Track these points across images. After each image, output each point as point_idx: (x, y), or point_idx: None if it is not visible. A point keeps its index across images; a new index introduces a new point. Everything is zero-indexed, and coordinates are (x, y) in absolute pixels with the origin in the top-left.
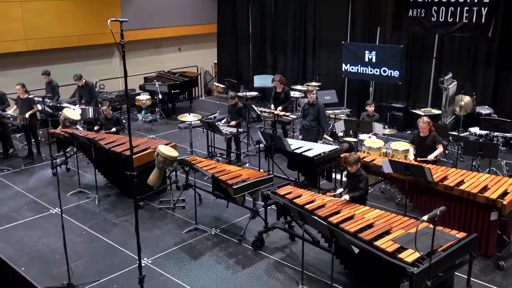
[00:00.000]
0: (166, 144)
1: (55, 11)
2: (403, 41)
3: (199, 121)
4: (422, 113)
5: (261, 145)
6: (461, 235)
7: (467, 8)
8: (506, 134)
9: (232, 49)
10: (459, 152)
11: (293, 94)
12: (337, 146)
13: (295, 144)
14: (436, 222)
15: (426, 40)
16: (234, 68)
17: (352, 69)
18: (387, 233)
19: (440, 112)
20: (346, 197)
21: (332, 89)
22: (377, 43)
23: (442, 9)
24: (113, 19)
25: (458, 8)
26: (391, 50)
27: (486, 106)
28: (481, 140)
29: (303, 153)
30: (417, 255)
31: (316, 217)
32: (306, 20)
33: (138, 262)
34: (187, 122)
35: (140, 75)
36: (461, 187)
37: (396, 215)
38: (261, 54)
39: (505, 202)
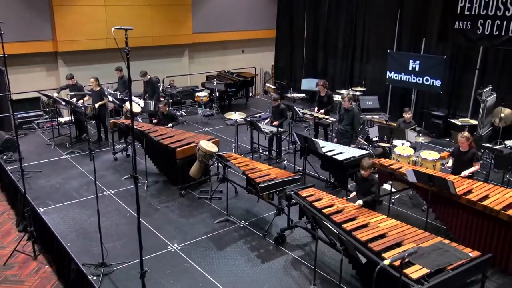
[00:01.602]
0: (209, 140)
1: (134, 15)
2: (448, 52)
3: (243, 120)
4: (460, 123)
5: (297, 145)
6: (474, 254)
7: None
8: None
9: (288, 53)
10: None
11: (337, 98)
12: (368, 151)
13: (328, 146)
14: (403, 265)
15: (470, 51)
16: (289, 70)
17: (396, 76)
18: (398, 245)
19: (477, 122)
20: (360, 202)
21: (376, 95)
22: (421, 53)
23: (488, 22)
24: (117, 27)
25: (505, 22)
26: (435, 60)
27: None
28: None
29: (333, 156)
30: (424, 271)
31: (328, 223)
32: (356, 28)
33: (139, 258)
34: (233, 120)
35: (205, 73)
36: (484, 202)
37: (411, 227)
38: (313, 58)
39: None
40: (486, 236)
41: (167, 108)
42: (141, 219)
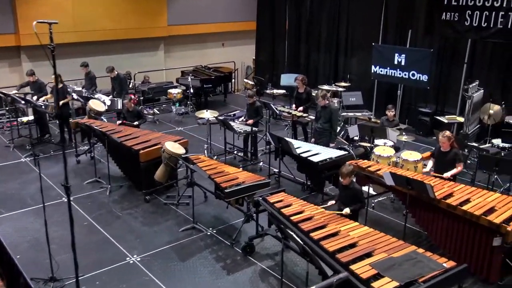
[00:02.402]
0: (176, 141)
1: (104, 6)
2: (435, 45)
3: (215, 119)
4: (446, 121)
5: (272, 145)
6: (449, 264)
7: (503, 13)
8: None
9: (269, 46)
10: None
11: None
12: (346, 152)
13: (304, 147)
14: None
15: (458, 44)
16: (270, 65)
17: (381, 71)
18: (368, 255)
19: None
20: (347, 210)
21: (361, 90)
22: (407, 46)
23: (476, 13)
24: (40, 20)
25: (493, 13)
26: (420, 54)
27: None
28: (503, 154)
29: (308, 158)
30: (393, 284)
31: (295, 232)
32: (340, 20)
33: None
34: (205, 119)
35: (181, 68)
36: (465, 207)
37: (385, 235)
38: (296, 52)
39: (509, 228)
40: (467, 243)
41: (132, 105)
42: (100, 228)
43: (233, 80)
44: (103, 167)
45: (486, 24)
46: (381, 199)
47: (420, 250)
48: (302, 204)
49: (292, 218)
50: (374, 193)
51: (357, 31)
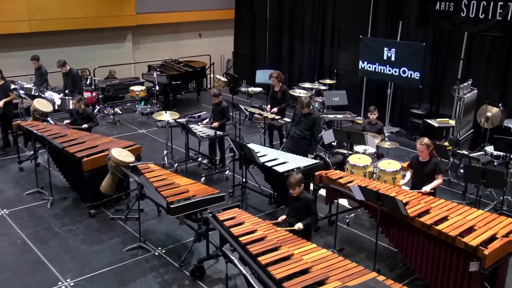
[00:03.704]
0: (126, 147)
1: None
2: (428, 39)
3: (174, 121)
4: (437, 124)
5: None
6: None
7: (502, 3)
8: None
9: (249, 37)
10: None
11: (299, 93)
12: (317, 161)
13: (270, 155)
14: None
15: (454, 38)
16: (250, 58)
17: (369, 67)
18: (320, 283)
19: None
20: (300, 225)
21: (349, 88)
22: (398, 39)
23: (473, 4)
24: None
25: (491, 3)
26: (412, 48)
27: None
28: (495, 164)
29: (273, 167)
30: None
31: (237, 257)
32: (325, 9)
33: None
34: (165, 121)
35: (152, 61)
36: (440, 226)
37: (343, 259)
38: (278, 44)
39: (486, 252)
40: (443, 267)
41: (82, 106)
42: (33, 247)
43: (210, 76)
44: (48, 176)
45: (483, 15)
46: (353, 214)
47: (381, 278)
48: (256, 222)
49: (240, 238)
50: (350, 207)
51: (344, 22)
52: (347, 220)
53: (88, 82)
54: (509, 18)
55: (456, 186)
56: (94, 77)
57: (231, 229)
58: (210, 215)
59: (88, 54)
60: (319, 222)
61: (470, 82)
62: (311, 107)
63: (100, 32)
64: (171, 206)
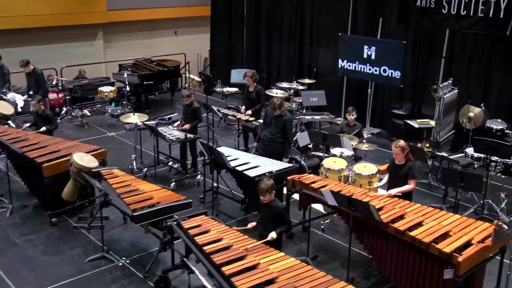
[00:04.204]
0: (90, 151)
1: None
2: (409, 36)
3: (142, 124)
4: (417, 125)
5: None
6: None
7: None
8: (507, 160)
9: (226, 35)
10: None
11: (276, 93)
12: (290, 165)
13: (242, 159)
14: None
15: (435, 35)
16: (227, 57)
17: (349, 66)
18: None
19: None
20: (273, 235)
21: (328, 88)
22: (378, 37)
23: (455, 0)
24: None
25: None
26: (392, 46)
27: (499, 120)
28: (475, 166)
29: (244, 172)
30: None
31: (198, 268)
32: (303, 5)
33: None
34: (133, 124)
35: (124, 61)
36: (414, 232)
37: (312, 268)
38: (255, 41)
39: (460, 259)
40: (418, 274)
41: (42, 107)
42: None
43: (185, 75)
44: (7, 182)
45: (465, 12)
46: (328, 220)
47: (350, 287)
48: (223, 230)
49: (205, 247)
50: (325, 212)
51: (323, 19)
52: (322, 226)
53: (54, 83)
54: (491, 15)
55: (437, 189)
56: (61, 77)
57: (195, 238)
58: (175, 223)
59: (55, 53)
60: (293, 229)
61: (450, 81)
62: (283, 109)
63: (69, 29)
64: (134, 214)
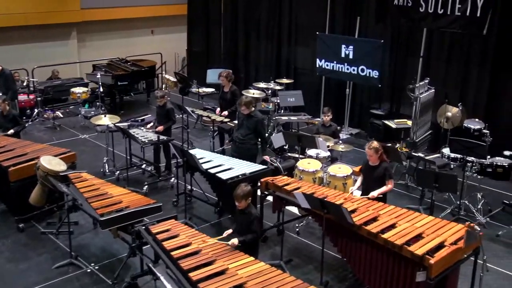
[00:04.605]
0: (58, 155)
1: None
2: (387, 35)
3: (113, 126)
4: (395, 126)
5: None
6: None
7: None
8: (483, 161)
9: (203, 34)
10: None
11: (253, 94)
12: (264, 167)
13: (215, 161)
14: None
15: (413, 34)
16: (205, 56)
17: (327, 65)
18: None
19: None
20: (235, 241)
21: (307, 88)
22: (356, 36)
23: None
24: None
25: None
26: (370, 45)
27: (477, 120)
28: (452, 167)
29: (216, 174)
30: None
31: (164, 274)
32: (281, 2)
33: None
34: (104, 126)
35: (97, 61)
36: (386, 235)
37: (282, 272)
38: (233, 41)
39: (432, 261)
40: (391, 277)
41: (7, 107)
42: None
43: (162, 75)
44: None
45: (442, 11)
46: (303, 223)
47: None
48: (192, 234)
49: (173, 253)
50: (300, 214)
51: (301, 17)
52: (297, 229)
53: (25, 84)
54: (468, 14)
55: (415, 190)
56: (33, 78)
57: (163, 243)
58: (143, 227)
59: (27, 53)
60: (268, 232)
61: (427, 81)
62: (251, 107)
63: (42, 29)
64: (101, 219)
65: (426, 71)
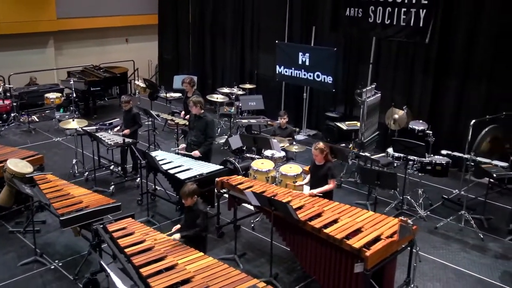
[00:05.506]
0: (26, 157)
1: None
2: (341, 44)
3: (81, 130)
4: (346, 127)
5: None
6: None
7: (405, 9)
8: (423, 159)
9: (173, 42)
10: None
11: (216, 98)
12: (221, 167)
13: (175, 162)
14: None
15: (364, 43)
16: (175, 63)
17: (285, 71)
18: None
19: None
20: (176, 237)
21: (268, 93)
22: (312, 44)
23: (380, 9)
24: None
25: (396, 9)
26: (324, 53)
27: (421, 121)
28: (395, 165)
29: (175, 174)
30: None
31: (111, 271)
32: (244, 10)
33: None
34: (73, 129)
35: (73, 68)
36: (328, 230)
37: (228, 267)
38: (200, 48)
39: (367, 253)
40: (334, 269)
41: None
42: None
43: (135, 81)
44: None
45: (389, 21)
46: (258, 218)
47: (261, 285)
48: (147, 231)
49: (126, 250)
50: (255, 211)
51: (262, 25)
52: (253, 225)
53: (0, 90)
54: (412, 24)
55: (363, 187)
56: (9, 84)
57: (118, 240)
58: (101, 226)
59: (5, 60)
60: (224, 228)
61: (374, 86)
62: (200, 107)
63: (19, 37)
64: (61, 218)
65: (375, 76)
